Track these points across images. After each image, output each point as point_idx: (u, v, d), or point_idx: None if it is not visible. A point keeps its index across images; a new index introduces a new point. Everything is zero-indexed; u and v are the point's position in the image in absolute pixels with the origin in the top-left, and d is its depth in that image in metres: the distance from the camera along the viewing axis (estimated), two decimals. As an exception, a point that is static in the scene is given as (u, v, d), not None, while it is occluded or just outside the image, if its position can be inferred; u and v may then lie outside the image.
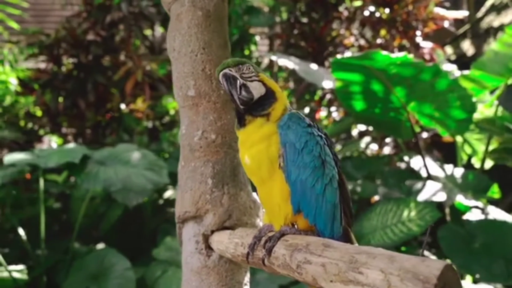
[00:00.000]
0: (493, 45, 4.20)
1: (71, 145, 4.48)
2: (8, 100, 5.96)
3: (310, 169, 1.22)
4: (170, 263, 3.63)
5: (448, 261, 3.72)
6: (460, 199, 4.04)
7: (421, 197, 3.88)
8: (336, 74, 3.76)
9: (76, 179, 3.74)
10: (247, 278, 1.62)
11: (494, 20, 7.15)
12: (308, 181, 1.22)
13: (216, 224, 1.55)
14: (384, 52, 3.37)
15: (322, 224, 1.22)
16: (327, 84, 4.23)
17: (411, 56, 3.45)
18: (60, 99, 6.14)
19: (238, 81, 1.27)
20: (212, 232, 1.57)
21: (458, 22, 7.22)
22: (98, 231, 4.54)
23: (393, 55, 3.40)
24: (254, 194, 1.64)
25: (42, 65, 6.29)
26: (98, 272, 3.59)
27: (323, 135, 1.29)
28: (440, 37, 6.83)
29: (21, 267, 3.82)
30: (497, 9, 7.22)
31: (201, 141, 1.58)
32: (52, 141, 6.70)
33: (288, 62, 4.41)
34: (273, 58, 4.98)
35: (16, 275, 3.70)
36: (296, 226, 1.25)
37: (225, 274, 1.55)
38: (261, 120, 1.27)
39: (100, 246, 4.38)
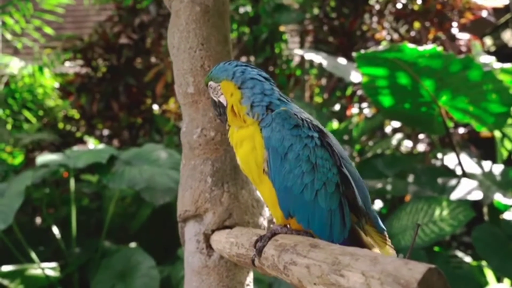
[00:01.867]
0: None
1: (101, 146, 4.58)
2: (49, 103, 6.17)
3: (296, 176, 1.13)
4: (195, 262, 3.63)
5: (484, 263, 3.52)
6: (499, 197, 3.83)
7: (454, 196, 3.71)
8: (362, 69, 3.64)
9: (103, 179, 3.81)
10: (249, 279, 1.58)
11: (539, 8, 6.74)
12: (295, 188, 1.13)
13: (216, 223, 1.51)
14: (411, 45, 3.23)
15: (318, 230, 1.14)
16: (355, 77, 4.10)
17: (440, 48, 3.28)
18: (95, 102, 6.31)
19: (215, 101, 1.31)
20: (213, 231, 1.53)
21: (498, 12, 6.85)
22: (128, 230, 4.62)
23: (421, 48, 3.25)
24: (257, 192, 1.60)
25: (77, 69, 6.50)
26: (125, 270, 3.64)
27: (315, 135, 1.17)
28: (479, 28, 6.51)
29: (53, 264, 3.94)
30: (541, -4, 6.80)
31: (200, 138, 1.55)
32: (90, 143, 6.91)
33: (315, 57, 4.32)
34: (300, 52, 4.89)
35: (49, 272, 3.82)
36: (289, 226, 1.18)
37: (225, 274, 1.51)
38: (232, 127, 1.26)
39: (132, 245, 4.46)
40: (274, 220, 1.27)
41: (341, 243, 1.06)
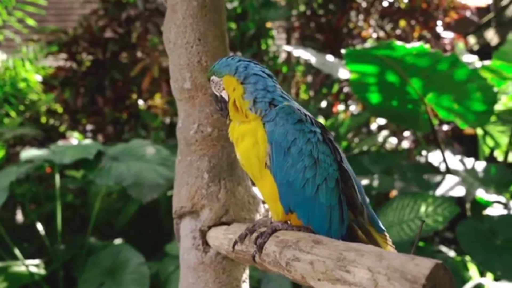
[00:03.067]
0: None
1: (87, 141, 4.52)
2: (32, 96, 6.05)
3: (298, 170, 1.14)
4: (183, 258, 3.62)
5: (468, 258, 3.59)
6: (481, 193, 3.91)
7: (439, 192, 3.77)
8: (350, 66, 3.66)
9: (89, 175, 3.76)
10: (245, 275, 1.58)
11: (520, 8, 6.89)
12: (296, 183, 1.14)
13: (213, 219, 1.51)
14: (399, 43, 3.27)
15: (318, 226, 1.15)
16: (343, 74, 4.13)
17: (427, 46, 3.32)
18: (79, 96, 6.21)
19: (216, 96, 1.31)
20: (209, 227, 1.53)
21: (481, 11, 6.97)
22: (115, 227, 4.58)
23: (409, 45, 3.28)
24: (253, 188, 1.60)
25: (61, 63, 6.39)
26: (113, 267, 3.61)
27: (317, 130, 1.20)
28: (463, 27, 6.61)
29: (38, 261, 3.88)
30: (523, -4, 6.94)
31: (197, 134, 1.54)
32: (73, 138, 6.81)
33: (303, 53, 4.33)
34: (288, 49, 4.90)
35: (33, 269, 3.76)
36: (289, 222, 1.19)
37: (222, 270, 1.51)
38: (233, 122, 1.27)
39: (117, 241, 4.42)
40: (270, 216, 1.28)
41: (339, 240, 1.07)
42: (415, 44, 3.30)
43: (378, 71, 3.62)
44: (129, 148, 4.02)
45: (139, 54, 6.44)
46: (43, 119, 6.43)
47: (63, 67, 6.27)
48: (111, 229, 4.79)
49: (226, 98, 1.27)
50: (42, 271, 3.78)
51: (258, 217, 1.57)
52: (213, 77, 1.29)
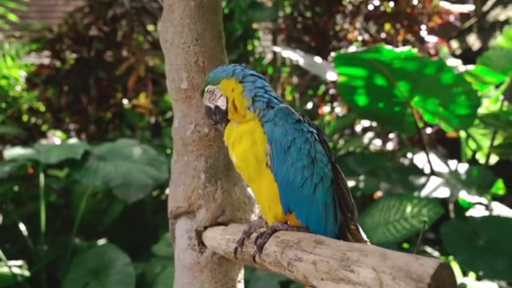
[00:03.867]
0: (499, 39, 4.13)
1: (73, 140, 4.45)
2: (14, 94, 5.94)
3: (298, 169, 1.16)
4: (170, 259, 3.60)
5: (451, 258, 3.67)
6: (463, 195, 3.99)
7: (424, 193, 3.84)
8: (340, 69, 3.70)
9: (75, 175, 3.71)
10: (241, 275, 1.59)
11: (500, 14, 7.06)
12: (296, 181, 1.16)
13: (209, 220, 1.51)
14: (388, 47, 3.31)
15: (315, 225, 1.17)
16: (331, 76, 4.17)
17: (415, 50, 3.38)
18: (63, 95, 6.13)
19: (210, 108, 1.32)
20: (205, 228, 1.53)
21: (463, 16, 7.12)
22: (100, 227, 4.53)
23: (398, 50, 3.34)
24: (248, 189, 1.60)
25: (45, 61, 6.29)
26: (98, 267, 3.57)
27: (314, 131, 1.23)
28: (446, 31, 6.74)
29: (20, 262, 3.81)
30: (503, 2, 7.12)
31: (194, 134, 1.54)
32: (56, 137, 6.70)
33: (292, 54, 4.36)
34: (277, 49, 4.92)
35: (16, 270, 3.69)
36: (288, 222, 1.20)
37: (218, 270, 1.51)
38: (231, 123, 1.28)
39: (101, 241, 4.37)
40: (264, 216, 1.28)
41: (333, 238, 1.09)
42: (404, 49, 3.35)
43: (366, 74, 3.67)
44: (115, 148, 3.98)
45: (124, 53, 6.39)
46: (25, 118, 6.32)
47: (46, 65, 6.18)
48: (96, 230, 4.74)
49: (223, 104, 1.28)
50: (25, 272, 3.71)
51: (253, 217, 1.57)
52: (208, 87, 1.30)
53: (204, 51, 1.54)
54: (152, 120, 6.53)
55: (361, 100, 3.97)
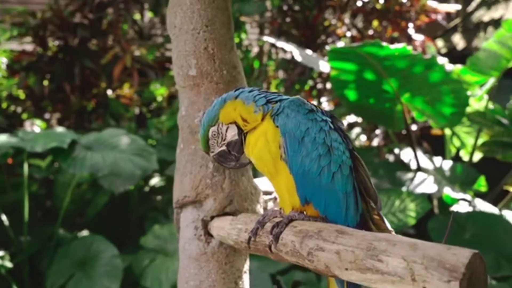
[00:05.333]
0: (489, 40, 4.20)
1: (59, 129, 4.34)
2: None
3: (314, 159, 1.16)
4: (158, 252, 3.57)
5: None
6: (448, 191, 4.06)
7: (411, 189, 3.89)
8: (333, 63, 3.71)
9: (62, 164, 3.61)
10: (247, 266, 1.57)
11: (484, 15, 7.18)
12: (312, 172, 1.15)
13: (217, 209, 1.49)
14: (383, 43, 3.33)
15: (334, 215, 1.16)
16: (325, 67, 4.18)
17: (409, 48, 3.41)
18: (45, 83, 5.98)
19: (225, 152, 1.30)
20: (212, 218, 1.51)
21: (448, 16, 7.22)
22: (83, 218, 4.44)
23: (392, 46, 3.36)
24: (255, 180, 1.59)
25: (27, 47, 6.11)
26: (85, 259, 3.50)
27: (328, 119, 1.22)
28: (431, 30, 6.82)
29: (2, 253, 3.71)
30: (487, 4, 7.25)
31: (202, 123, 1.51)
32: (35, 126, 6.54)
33: (286, 45, 4.35)
34: (271, 40, 4.90)
35: (-3, 261, 3.59)
36: (305, 212, 1.19)
37: (224, 261, 1.49)
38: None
39: (85, 233, 4.29)
40: (282, 208, 1.27)
41: (354, 228, 1.08)
42: (399, 45, 3.38)
43: (358, 69, 3.68)
44: (102, 137, 3.90)
45: (109, 42, 6.27)
46: (4, 105, 6.14)
47: (28, 52, 6.00)
48: (79, 221, 4.65)
49: (234, 134, 1.28)
50: (7, 264, 3.61)
51: (258, 207, 1.56)
52: (211, 129, 1.29)
53: (214, 38, 1.51)
54: (137, 111, 6.44)
55: (352, 95, 3.99)
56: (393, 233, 1.23)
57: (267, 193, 1.63)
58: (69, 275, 3.45)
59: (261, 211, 1.56)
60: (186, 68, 1.52)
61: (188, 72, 1.52)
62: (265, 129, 1.22)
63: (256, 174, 1.61)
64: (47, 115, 6.39)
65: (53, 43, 6.05)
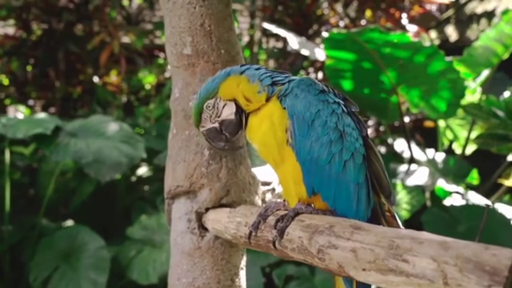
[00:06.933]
0: (486, 32, 4.13)
1: (42, 115, 4.17)
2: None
3: (324, 144, 1.04)
4: (145, 243, 3.45)
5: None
6: (442, 183, 4.01)
7: (406, 181, 3.82)
8: (328, 52, 3.60)
9: (45, 151, 3.46)
10: (243, 262, 1.46)
11: (477, 7, 7.13)
12: (322, 158, 1.04)
13: (212, 200, 1.37)
14: (381, 30, 3.23)
15: (344, 207, 1.05)
16: (320, 55, 4.07)
17: (409, 34, 3.32)
18: (29, 68, 5.78)
19: (216, 129, 1.19)
20: (207, 209, 1.39)
21: (441, 7, 7.15)
22: (67, 207, 4.29)
23: (391, 33, 3.26)
24: (253, 169, 1.47)
25: (9, 30, 5.90)
26: (69, 250, 3.36)
27: (341, 101, 1.11)
28: (425, 21, 6.74)
29: (-18, 243, 3.56)
30: (480, -4, 7.19)
31: (198, 106, 1.38)
32: (19, 112, 6.34)
33: (282, 32, 4.24)
34: (268, 27, 4.79)
35: (-23, 252, 3.44)
36: (313, 205, 1.08)
37: (220, 256, 1.38)
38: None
39: (69, 223, 4.14)
40: (286, 200, 1.16)
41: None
42: (398, 33, 3.28)
43: (355, 58, 3.59)
44: (88, 124, 3.75)
45: (96, 27, 6.08)
46: (-15, 91, 5.94)
47: (11, 35, 5.79)
48: (63, 210, 4.50)
49: (231, 113, 1.17)
50: (-13, 254, 3.46)
51: (257, 199, 1.44)
52: (207, 102, 1.17)
53: (211, 14, 1.38)
54: (124, 99, 6.28)
55: (347, 84, 3.89)
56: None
57: (265, 183, 1.51)
58: (53, 268, 3.32)
59: (259, 202, 1.45)
60: (181, 46, 1.39)
61: (182, 50, 1.39)
62: (270, 110, 1.10)
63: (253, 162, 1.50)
64: (31, 102, 6.21)
65: (37, 26, 5.85)
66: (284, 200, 1.15)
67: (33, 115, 5.61)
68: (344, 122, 1.07)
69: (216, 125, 1.18)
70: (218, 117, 1.17)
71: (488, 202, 3.72)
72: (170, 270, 1.43)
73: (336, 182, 1.05)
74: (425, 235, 0.79)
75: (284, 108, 1.09)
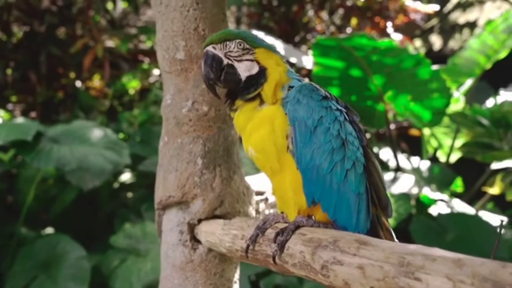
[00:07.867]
0: (470, 41, 4.18)
1: (22, 120, 4.04)
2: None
3: (326, 152, 1.00)
4: (129, 252, 3.36)
5: None
6: (427, 191, 4.02)
7: (393, 189, 3.82)
8: (317, 59, 3.58)
9: (25, 157, 3.35)
10: (237, 275, 1.41)
11: (460, 17, 7.24)
12: (324, 167, 1.00)
13: (206, 211, 1.31)
14: (370, 37, 3.23)
15: (345, 218, 1.01)
16: (307, 62, 4.05)
17: (396, 42, 3.33)
18: (9, 71, 5.65)
19: (222, 62, 1.08)
20: (200, 221, 1.33)
21: (425, 16, 7.24)
22: (48, 215, 4.16)
23: (379, 40, 3.26)
24: (246, 178, 1.42)
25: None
26: (49, 260, 3.25)
27: (343, 109, 1.08)
28: (409, 30, 6.82)
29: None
30: (463, 6, 7.32)
31: (191, 113, 1.33)
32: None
33: (269, 38, 4.21)
34: (256, 33, 4.76)
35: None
36: (313, 217, 1.04)
37: (213, 270, 1.32)
38: (253, 104, 1.08)
39: (49, 231, 4.02)
40: (284, 211, 1.11)
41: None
42: (385, 39, 3.28)
43: (342, 65, 3.58)
44: (71, 129, 3.65)
45: (79, 30, 5.98)
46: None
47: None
48: (43, 218, 4.36)
49: (245, 69, 1.08)
50: (-38, 264, 3.33)
51: (251, 209, 1.39)
52: (238, 40, 1.08)
53: (205, 17, 1.33)
54: (107, 103, 6.18)
55: (334, 91, 3.87)
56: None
57: (258, 193, 1.46)
58: (31, 277, 3.21)
59: (253, 213, 1.40)
60: (173, 50, 1.34)
61: (175, 55, 1.34)
62: (273, 114, 1.05)
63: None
64: (10, 106, 6.06)
65: (18, 29, 5.73)
66: (282, 212, 1.11)
67: (12, 119, 5.46)
68: (347, 130, 1.04)
69: (226, 61, 1.08)
70: (236, 59, 1.09)
71: (504, 218, 3.73)
72: (160, 284, 1.36)
73: (337, 191, 1.01)
74: (437, 251, 0.75)
75: (286, 114, 1.04)
